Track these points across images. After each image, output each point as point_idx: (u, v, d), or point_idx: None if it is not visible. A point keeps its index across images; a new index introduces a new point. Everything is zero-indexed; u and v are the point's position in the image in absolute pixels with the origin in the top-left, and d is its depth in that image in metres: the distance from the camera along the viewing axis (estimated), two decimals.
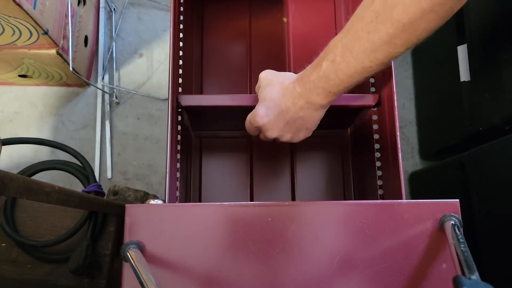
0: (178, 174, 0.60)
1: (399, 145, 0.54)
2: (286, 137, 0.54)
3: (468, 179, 0.74)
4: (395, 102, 0.55)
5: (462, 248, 0.35)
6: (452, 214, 0.40)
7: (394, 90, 0.55)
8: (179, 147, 0.60)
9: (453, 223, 0.39)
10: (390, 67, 0.55)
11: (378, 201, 0.42)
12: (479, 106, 0.74)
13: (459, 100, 0.80)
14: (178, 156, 0.60)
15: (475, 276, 0.31)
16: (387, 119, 0.57)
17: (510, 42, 0.67)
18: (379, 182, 0.60)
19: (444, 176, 0.85)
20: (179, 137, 0.60)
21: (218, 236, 0.41)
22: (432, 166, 0.94)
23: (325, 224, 0.41)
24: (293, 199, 0.72)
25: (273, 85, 0.52)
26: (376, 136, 0.62)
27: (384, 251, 0.40)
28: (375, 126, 0.62)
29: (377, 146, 0.61)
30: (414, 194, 0.98)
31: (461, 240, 0.36)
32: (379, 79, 0.59)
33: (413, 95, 1.04)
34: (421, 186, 0.96)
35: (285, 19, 0.76)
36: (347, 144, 0.74)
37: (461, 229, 0.39)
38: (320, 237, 0.41)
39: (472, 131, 0.76)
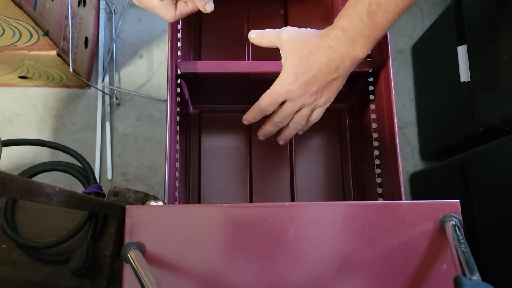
0: (177, 174, 0.60)
1: (397, 144, 0.54)
2: (311, 101, 0.54)
3: (468, 179, 0.74)
4: (394, 99, 0.55)
5: (462, 249, 0.35)
6: (453, 214, 0.40)
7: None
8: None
9: (454, 223, 0.39)
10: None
11: (379, 201, 0.42)
12: (479, 106, 0.74)
13: (459, 100, 0.80)
14: (178, 156, 0.60)
15: (476, 277, 0.31)
16: (386, 117, 0.57)
17: (510, 42, 0.67)
18: (378, 180, 0.60)
19: (444, 177, 0.85)
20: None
21: (218, 237, 0.41)
22: (433, 167, 0.94)
23: (325, 225, 0.41)
24: (292, 192, 0.72)
25: (300, 48, 0.51)
26: (375, 135, 0.62)
27: (384, 252, 0.40)
28: (374, 125, 0.62)
29: (376, 143, 0.61)
30: (414, 195, 0.98)
31: (462, 240, 0.36)
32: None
33: (413, 95, 1.04)
34: (422, 187, 0.96)
35: (282, 12, 0.76)
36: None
37: (462, 230, 0.39)
38: (321, 238, 0.41)
39: (472, 131, 0.76)
